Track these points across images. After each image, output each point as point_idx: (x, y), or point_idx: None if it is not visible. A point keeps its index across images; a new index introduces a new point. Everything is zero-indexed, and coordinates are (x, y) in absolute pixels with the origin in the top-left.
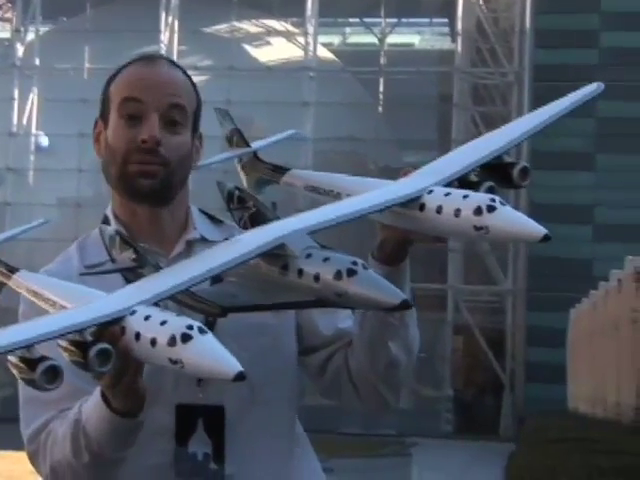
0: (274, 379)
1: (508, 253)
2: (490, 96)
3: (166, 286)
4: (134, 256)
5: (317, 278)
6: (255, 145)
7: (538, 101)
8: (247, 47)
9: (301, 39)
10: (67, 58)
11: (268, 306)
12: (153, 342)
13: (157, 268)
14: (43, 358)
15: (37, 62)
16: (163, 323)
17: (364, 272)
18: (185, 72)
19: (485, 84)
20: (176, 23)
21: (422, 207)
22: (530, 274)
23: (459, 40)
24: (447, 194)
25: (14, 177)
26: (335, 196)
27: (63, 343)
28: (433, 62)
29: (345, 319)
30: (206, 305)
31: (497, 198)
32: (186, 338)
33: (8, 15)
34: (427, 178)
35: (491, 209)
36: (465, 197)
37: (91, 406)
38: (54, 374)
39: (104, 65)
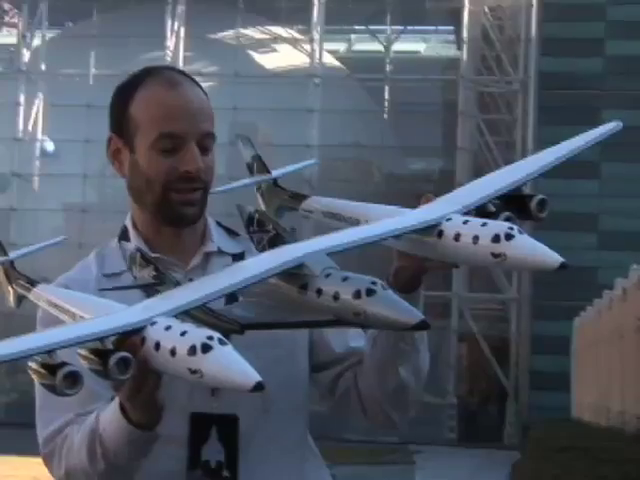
0: (287, 391)
1: None
2: (495, 104)
3: (187, 299)
4: (154, 273)
5: (336, 297)
6: (275, 173)
7: (543, 109)
8: (253, 54)
9: (307, 46)
10: (73, 64)
11: (286, 324)
12: (173, 352)
13: (177, 285)
14: (63, 364)
15: (43, 67)
16: (183, 334)
17: (383, 292)
18: (201, 87)
19: (490, 92)
20: (182, 29)
21: (440, 234)
22: (534, 282)
23: (465, 48)
24: (465, 222)
25: (19, 182)
26: (354, 223)
27: (83, 351)
28: (438, 70)
29: (357, 338)
30: (224, 322)
31: (515, 226)
32: (206, 348)
33: (14, 20)
34: (446, 206)
35: (509, 237)
36: (483, 225)
37: (109, 416)
38: (74, 379)
39: (110, 71)
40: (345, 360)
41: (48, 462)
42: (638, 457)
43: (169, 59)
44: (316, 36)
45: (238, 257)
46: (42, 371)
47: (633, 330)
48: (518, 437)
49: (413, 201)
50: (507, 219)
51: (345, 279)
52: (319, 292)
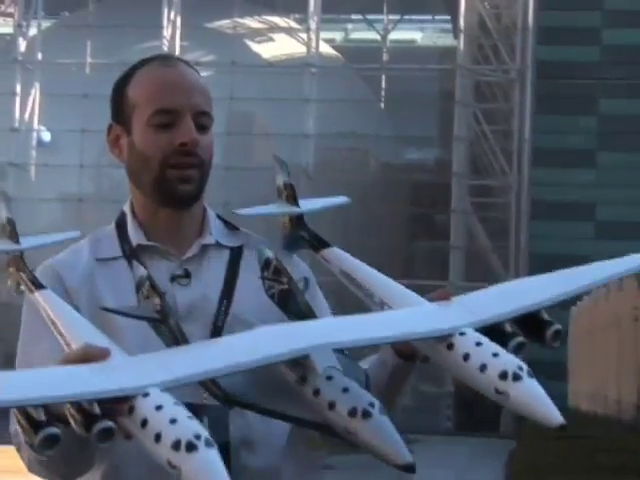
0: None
1: (509, 250)
2: (492, 93)
3: (187, 372)
4: (159, 306)
5: (332, 406)
6: (303, 206)
7: (540, 98)
8: (249, 43)
9: (303, 35)
10: (69, 53)
11: (277, 414)
12: (157, 437)
13: (177, 325)
14: (47, 423)
15: (39, 57)
16: (173, 421)
17: (379, 417)
18: (198, 73)
19: (487, 81)
20: (179, 19)
21: (450, 347)
22: (531, 271)
23: (461, 37)
24: (478, 344)
25: (16, 172)
26: (367, 295)
27: (71, 409)
28: (435, 59)
29: None
30: (217, 390)
31: (525, 367)
32: (191, 447)
33: (10, 10)
34: (462, 313)
35: (517, 378)
36: (495, 355)
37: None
38: (53, 442)
39: (106, 60)
40: None
41: (19, 454)
42: (634, 445)
43: (166, 48)
44: (313, 25)
45: (236, 251)
46: (25, 424)
47: (630, 319)
48: (514, 426)
49: (409, 190)
50: (519, 346)
51: (345, 390)
52: (316, 392)
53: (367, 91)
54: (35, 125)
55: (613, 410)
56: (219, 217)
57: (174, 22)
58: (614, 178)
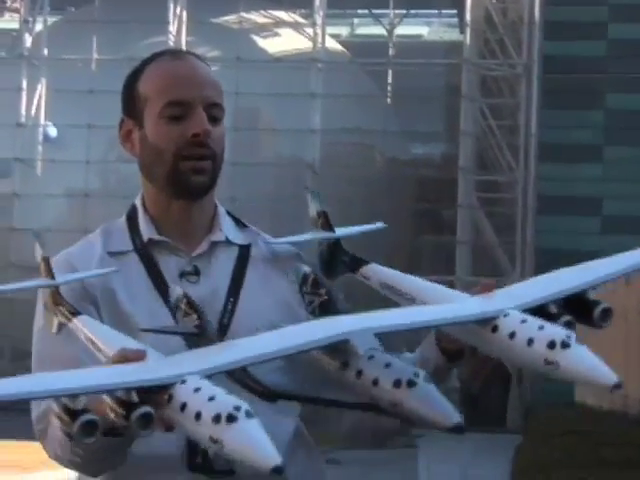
0: (281, 381)
1: (516, 245)
2: (498, 88)
3: (223, 361)
4: (197, 322)
5: (376, 382)
6: (338, 232)
7: (546, 93)
8: (255, 38)
9: (309, 30)
10: (75, 49)
11: (319, 400)
12: (197, 416)
13: (216, 338)
14: (84, 411)
15: (45, 53)
16: (212, 399)
17: (425, 385)
18: (209, 66)
19: (493, 76)
20: (184, 14)
21: (495, 329)
22: (538, 266)
23: (468, 31)
24: (523, 321)
25: (22, 168)
26: (409, 300)
27: (108, 399)
28: (441, 54)
29: None
30: (258, 386)
31: (573, 335)
32: (231, 419)
33: (16, 5)
34: (505, 300)
35: (565, 345)
36: (541, 328)
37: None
38: (91, 429)
39: (112, 56)
40: None
41: (40, 440)
42: None
43: (172, 44)
44: (319, 20)
45: (244, 248)
46: (63, 415)
47: (636, 313)
48: (521, 421)
49: (415, 185)
50: (567, 324)
51: (388, 365)
52: (359, 374)
53: (373, 86)
54: (41, 120)
55: (619, 405)
56: (229, 214)
57: (180, 17)
58: (621, 173)
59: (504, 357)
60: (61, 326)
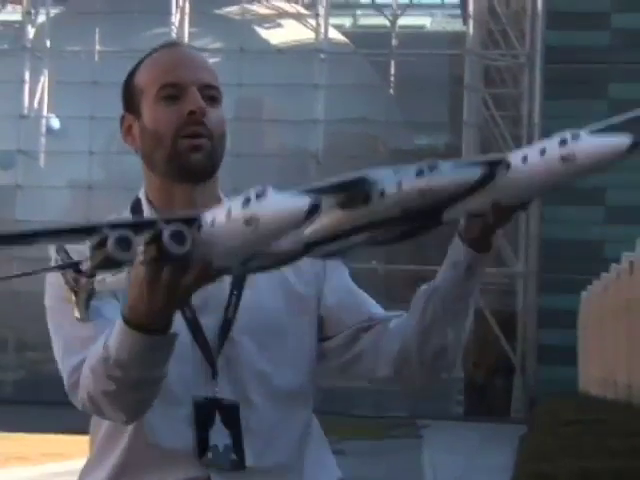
0: (289, 373)
1: (520, 235)
2: (501, 78)
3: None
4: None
5: (399, 186)
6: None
7: (549, 83)
8: (258, 29)
9: (312, 21)
10: (78, 40)
11: (356, 243)
12: (228, 214)
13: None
14: (110, 230)
15: (48, 44)
16: (239, 199)
17: (443, 166)
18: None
19: (496, 66)
20: (187, 5)
21: (508, 166)
22: (541, 256)
23: (470, 22)
24: (529, 148)
25: (25, 160)
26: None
27: (144, 239)
28: (444, 44)
29: (370, 305)
30: (287, 249)
31: (577, 131)
32: (260, 195)
33: None
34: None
35: (576, 137)
36: (548, 138)
37: (114, 334)
38: (126, 244)
39: (115, 47)
40: (357, 323)
41: (72, 393)
42: None
43: (174, 35)
44: (321, 11)
45: None
46: (94, 249)
47: None
48: (525, 411)
49: None
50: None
51: (397, 171)
52: (382, 194)
53: (376, 77)
54: (44, 112)
55: (623, 395)
56: None
57: (182, 8)
58: (624, 162)
59: (524, 185)
60: (88, 303)
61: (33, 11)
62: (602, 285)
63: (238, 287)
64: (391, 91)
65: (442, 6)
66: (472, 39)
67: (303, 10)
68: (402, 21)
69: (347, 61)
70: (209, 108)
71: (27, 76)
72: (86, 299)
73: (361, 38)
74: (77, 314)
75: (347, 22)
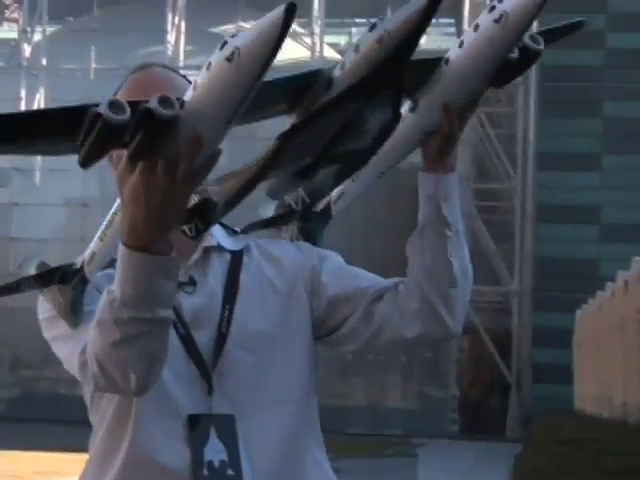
0: (285, 385)
1: (514, 253)
2: (496, 96)
3: None
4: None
5: (357, 49)
6: None
7: (544, 101)
8: None
9: (308, 39)
10: (74, 58)
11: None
12: (208, 65)
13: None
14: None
15: (44, 62)
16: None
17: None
18: (180, 74)
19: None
20: (183, 23)
21: (447, 61)
22: (536, 274)
23: None
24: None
25: (20, 177)
26: None
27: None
28: None
29: (372, 278)
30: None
31: None
32: (235, 35)
33: (15, 15)
34: None
35: (501, 0)
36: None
37: (116, 271)
38: (119, 106)
39: (111, 65)
40: (364, 300)
41: (83, 373)
42: None
43: (170, 53)
44: (317, 29)
45: (237, 254)
46: (92, 128)
47: (635, 322)
48: (520, 429)
49: (414, 193)
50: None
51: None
52: (342, 65)
53: None
54: None
55: (619, 413)
56: (219, 222)
57: (178, 27)
58: (619, 181)
59: (468, 70)
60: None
61: (29, 29)
62: (597, 303)
63: (230, 301)
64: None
65: (436, 24)
66: None
67: (299, 28)
68: None
69: None
70: None
71: (23, 94)
72: (71, 304)
73: None
74: (67, 321)
75: (342, 40)
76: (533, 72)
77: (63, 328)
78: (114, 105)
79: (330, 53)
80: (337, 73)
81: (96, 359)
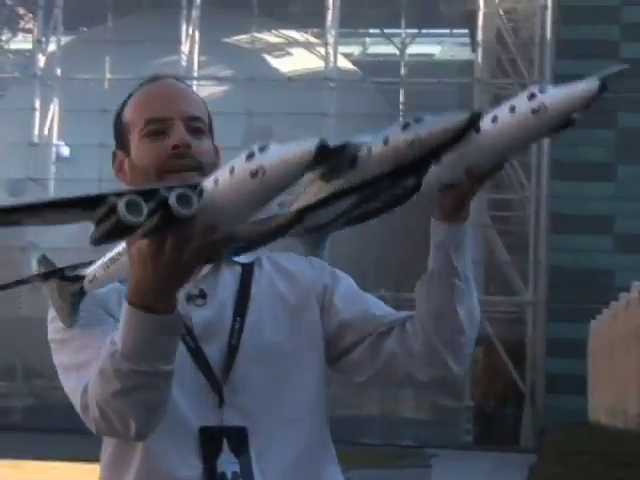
0: (297, 397)
1: (528, 263)
2: None
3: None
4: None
5: (386, 141)
6: None
7: None
8: (268, 57)
9: (321, 49)
10: (88, 68)
11: (342, 214)
12: (232, 170)
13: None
14: (117, 199)
15: (58, 72)
16: (233, 163)
17: (427, 118)
18: (189, 86)
19: (505, 94)
20: (197, 33)
21: (478, 130)
22: (551, 285)
23: (479, 51)
24: (497, 108)
25: (35, 187)
26: None
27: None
28: (453, 73)
29: (382, 309)
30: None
31: (542, 84)
32: (263, 149)
33: (29, 26)
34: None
35: (543, 90)
36: (515, 97)
37: (120, 324)
38: (136, 206)
39: (125, 75)
40: (374, 329)
41: (85, 415)
42: None
43: (184, 63)
44: (331, 39)
45: (248, 266)
46: (103, 218)
47: None
48: (534, 440)
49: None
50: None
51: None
52: (369, 151)
53: (385, 105)
54: (54, 140)
55: (634, 424)
56: None
57: (192, 37)
58: (633, 191)
59: (496, 144)
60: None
61: (44, 39)
62: (611, 314)
63: (241, 313)
64: (400, 119)
65: (451, 35)
66: (481, 68)
67: (312, 39)
68: (411, 50)
69: (356, 89)
70: (195, 140)
71: (37, 104)
72: (71, 305)
73: (370, 66)
74: (63, 321)
75: (356, 50)
76: (547, 82)
77: (69, 356)
78: (131, 206)
79: (344, 63)
80: (363, 152)
81: (97, 405)
